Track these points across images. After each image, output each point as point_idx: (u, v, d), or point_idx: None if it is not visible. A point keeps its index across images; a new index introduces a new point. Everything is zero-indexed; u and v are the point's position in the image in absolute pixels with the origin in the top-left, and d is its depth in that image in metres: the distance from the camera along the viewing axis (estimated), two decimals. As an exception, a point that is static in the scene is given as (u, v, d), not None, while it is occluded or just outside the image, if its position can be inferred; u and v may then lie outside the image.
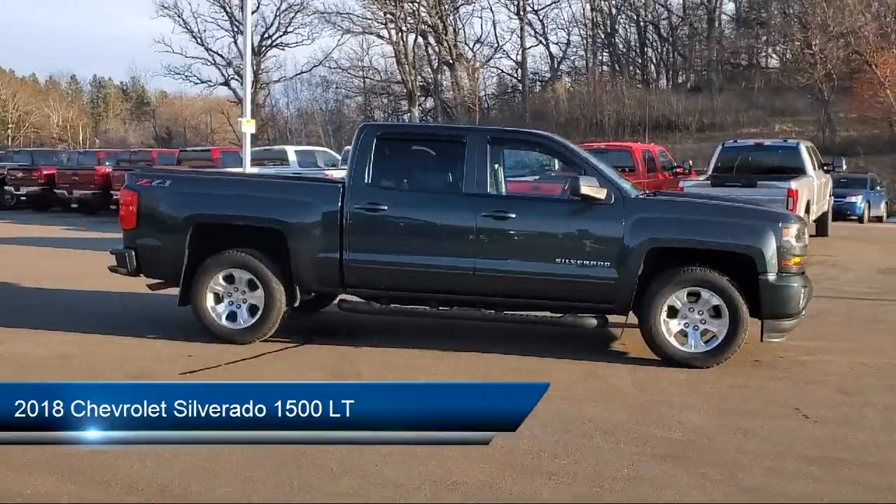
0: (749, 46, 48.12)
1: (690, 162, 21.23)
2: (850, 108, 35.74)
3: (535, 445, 4.96)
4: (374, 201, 7.32)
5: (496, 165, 7.47)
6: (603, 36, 51.05)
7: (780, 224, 6.99)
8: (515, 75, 54.38)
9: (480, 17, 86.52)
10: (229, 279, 7.58)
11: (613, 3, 50.41)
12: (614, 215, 7.06)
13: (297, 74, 52.05)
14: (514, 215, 7.15)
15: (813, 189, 15.27)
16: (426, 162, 7.70)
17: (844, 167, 18.27)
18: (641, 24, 51.47)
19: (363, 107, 57.56)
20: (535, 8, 49.62)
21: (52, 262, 13.64)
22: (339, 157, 22.82)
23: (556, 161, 7.67)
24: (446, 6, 47.21)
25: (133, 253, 7.69)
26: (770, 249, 6.88)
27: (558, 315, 7.30)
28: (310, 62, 54.40)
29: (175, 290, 7.88)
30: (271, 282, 7.46)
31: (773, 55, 47.06)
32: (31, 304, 9.59)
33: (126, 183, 7.85)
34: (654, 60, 53.73)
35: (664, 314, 7.02)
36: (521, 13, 48.38)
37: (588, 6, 49.04)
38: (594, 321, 7.21)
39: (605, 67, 51.74)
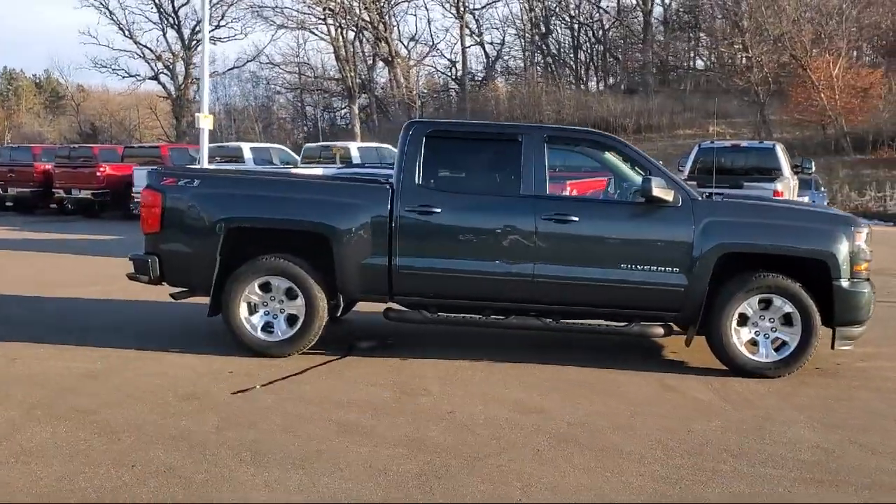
0: (682, 49, 48.99)
1: None
2: (785, 110, 36.58)
3: (675, 474, 4.60)
4: (426, 203, 6.84)
5: (555, 165, 7.06)
6: (538, 37, 51.17)
7: (851, 228, 6.80)
8: (450, 74, 54.14)
9: (415, 16, 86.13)
10: (265, 288, 7.01)
11: (548, 4, 50.57)
12: (683, 219, 6.75)
13: (229, 69, 50.58)
14: (576, 218, 6.77)
15: (790, 190, 15.37)
16: (479, 161, 7.24)
17: (814, 168, 18.49)
18: (575, 25, 51.82)
19: (294, 102, 56.43)
20: (471, 7, 49.39)
21: (16, 268, 12.64)
22: (297, 156, 22.11)
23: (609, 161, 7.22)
24: (383, 3, 46.56)
25: (157, 259, 7.03)
26: (843, 254, 6.68)
27: (623, 324, 6.94)
28: (241, 58, 52.79)
29: (199, 300, 7.28)
30: (313, 290, 6.90)
31: (703, 58, 47.92)
32: (29, 314, 8.76)
33: (148, 182, 7.16)
34: (586, 62, 54.17)
35: (735, 322, 6.74)
36: (460, 11, 48.09)
37: (525, 5, 49.04)
38: (661, 330, 6.90)
39: (538, 68, 51.88)
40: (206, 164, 18.41)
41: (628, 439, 5.15)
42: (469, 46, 49.57)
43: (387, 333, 7.90)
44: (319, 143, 22.92)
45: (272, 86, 53.74)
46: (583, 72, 53.52)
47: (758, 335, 6.80)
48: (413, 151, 6.97)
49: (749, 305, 6.75)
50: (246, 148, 21.27)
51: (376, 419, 5.43)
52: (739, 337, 6.77)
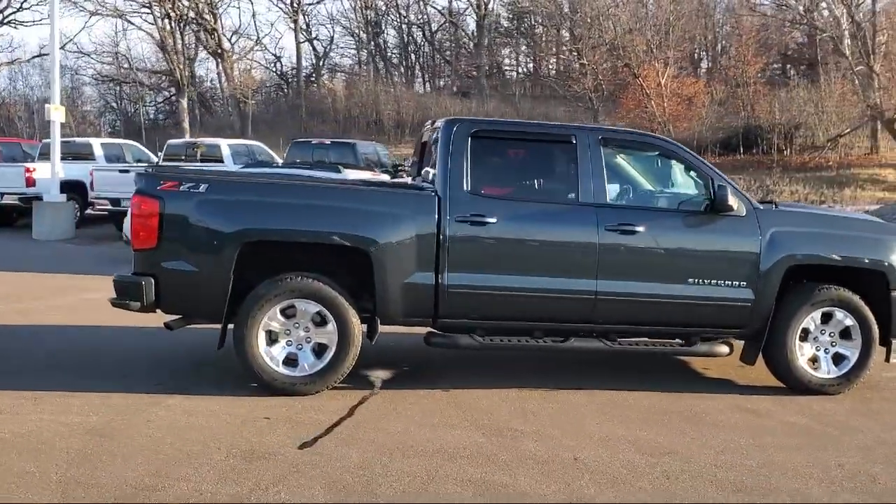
0: (510, 55, 49.92)
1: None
2: (617, 116, 38.07)
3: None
4: (478, 213, 6.00)
5: (613, 171, 6.41)
6: (368, 35, 50.39)
7: (903, 238, 6.65)
8: (275, 69, 52.20)
9: (238, 8, 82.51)
10: (288, 313, 5.89)
11: (377, 3, 49.91)
12: (750, 229, 6.33)
13: (35, 57, 45.77)
14: (641, 229, 6.18)
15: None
16: (531, 165, 6.49)
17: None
18: (405, 26, 51.49)
19: (104, 95, 52.32)
20: (301, 3, 47.75)
21: None
22: (153, 154, 20.13)
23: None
24: (208, -6, 43.98)
25: (152, 281, 5.71)
26: (898, 264, 6.52)
27: (688, 344, 6.43)
28: (47, 45, 47.96)
29: (194, 326, 6.07)
30: (347, 314, 5.89)
31: (538, 64, 49.01)
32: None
33: (139, 186, 5.82)
34: (415, 63, 54.02)
35: (798, 338, 6.40)
36: (294, 7, 46.34)
37: (358, 3, 48.08)
38: (727, 349, 6.45)
39: (369, 67, 51.13)
40: (57, 161, 16.33)
41: (803, 483, 4.60)
42: (303, 41, 47.87)
43: (393, 360, 6.97)
44: (184, 140, 20.96)
45: (79, 76, 49.41)
46: (414, 72, 53.29)
47: (818, 350, 6.50)
48: (458, 153, 6.10)
49: (812, 320, 6.46)
50: (96, 144, 19.06)
51: (507, 474, 4.55)
52: (803, 353, 6.45)
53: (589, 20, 37.18)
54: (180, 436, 4.99)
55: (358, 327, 5.94)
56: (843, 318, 6.48)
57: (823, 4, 35.49)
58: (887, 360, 6.65)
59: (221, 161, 17.40)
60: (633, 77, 36.44)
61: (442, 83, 52.76)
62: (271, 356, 5.90)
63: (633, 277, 6.21)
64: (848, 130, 33.46)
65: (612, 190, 6.31)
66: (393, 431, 5.22)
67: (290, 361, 5.94)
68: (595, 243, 6.14)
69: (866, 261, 6.51)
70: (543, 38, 47.12)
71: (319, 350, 5.97)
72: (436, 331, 6.21)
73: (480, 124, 6.29)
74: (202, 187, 5.81)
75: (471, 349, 6.19)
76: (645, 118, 36.59)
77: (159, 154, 19.74)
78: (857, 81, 33.75)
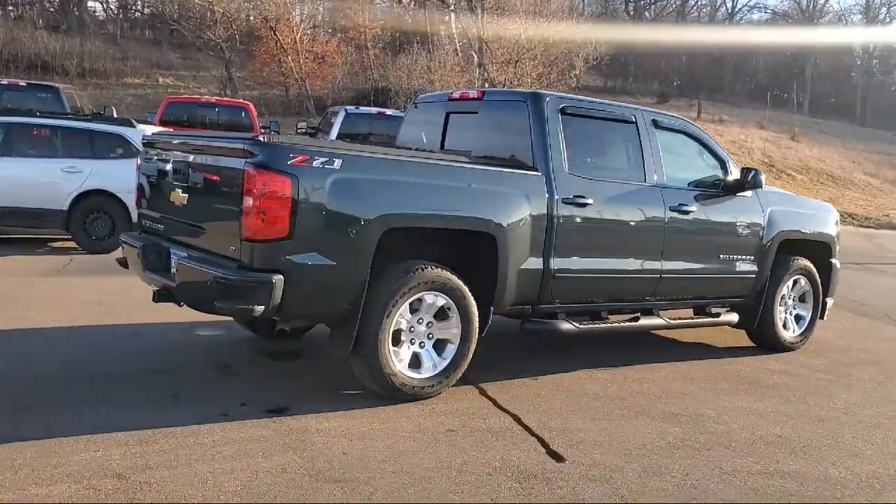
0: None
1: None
2: (251, 69, 37.06)
3: None
4: (579, 194, 5.83)
5: (664, 152, 6.59)
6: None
7: (834, 213, 7.88)
8: None
9: None
10: (413, 308, 5.19)
11: None
12: (757, 208, 7.06)
13: None
14: (693, 209, 6.53)
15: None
16: (604, 144, 6.34)
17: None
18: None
19: None
20: None
21: None
22: None
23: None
24: None
25: (282, 280, 4.61)
26: (835, 237, 7.76)
27: (713, 314, 6.97)
28: None
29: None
30: (471, 307, 5.39)
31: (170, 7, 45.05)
32: None
33: (261, 158, 4.57)
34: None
35: (778, 303, 7.31)
36: None
37: None
38: (737, 317, 7.09)
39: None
40: None
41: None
42: None
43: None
44: None
45: None
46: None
47: (786, 313, 7.46)
48: (554, 130, 5.82)
49: (786, 287, 7.38)
50: None
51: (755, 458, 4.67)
52: (780, 316, 7.36)
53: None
54: (406, 462, 4.20)
55: (477, 321, 5.43)
56: (805, 285, 7.53)
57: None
58: (822, 317, 7.83)
59: None
60: (269, 31, 35.69)
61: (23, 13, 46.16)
62: (399, 358, 5.15)
63: (685, 255, 6.55)
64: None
65: (666, 171, 6.51)
66: (589, 429, 4.95)
67: (415, 362, 5.25)
68: (663, 223, 6.34)
69: (819, 233, 7.61)
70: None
71: (439, 347, 5.36)
72: (534, 318, 5.91)
73: (569, 101, 6.02)
74: (336, 163, 4.78)
75: (570, 335, 6.00)
76: (279, 73, 36.28)
77: None
78: (473, 54, 36.98)
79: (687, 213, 6.47)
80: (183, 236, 5.36)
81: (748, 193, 6.97)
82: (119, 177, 10.36)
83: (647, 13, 57.05)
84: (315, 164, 4.71)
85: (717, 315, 6.99)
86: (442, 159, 5.44)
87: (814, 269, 7.55)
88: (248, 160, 4.62)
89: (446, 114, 6.65)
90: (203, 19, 36.04)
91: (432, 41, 40.10)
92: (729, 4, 61.99)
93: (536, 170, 5.70)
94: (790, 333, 7.47)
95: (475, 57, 37.15)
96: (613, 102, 6.62)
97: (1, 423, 4.41)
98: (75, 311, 7.15)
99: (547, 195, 5.65)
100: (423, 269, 5.13)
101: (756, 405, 5.70)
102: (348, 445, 4.39)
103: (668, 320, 6.62)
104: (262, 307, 4.61)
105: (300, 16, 36.37)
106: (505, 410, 5.18)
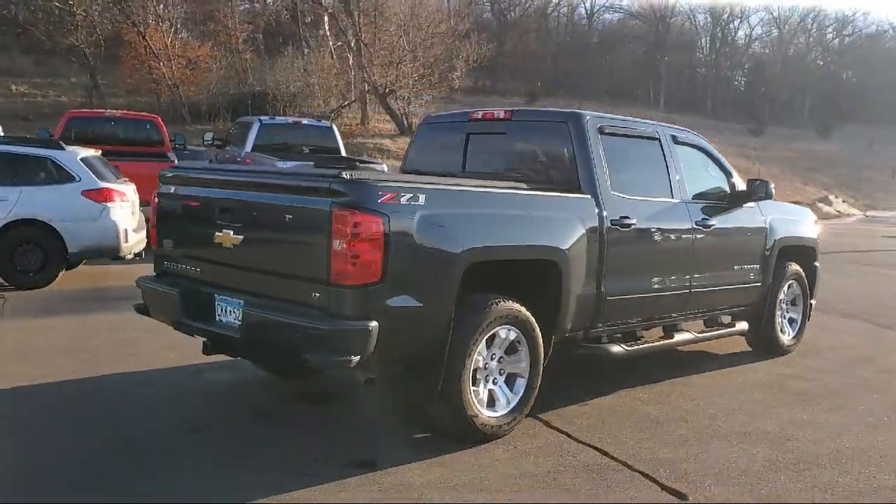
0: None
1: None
2: (118, 76, 35.18)
3: None
4: (624, 214, 5.74)
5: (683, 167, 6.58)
6: None
7: (814, 216, 8.15)
8: None
9: None
10: (487, 344, 4.96)
11: None
12: (759, 217, 7.19)
13: None
14: (714, 223, 6.57)
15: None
16: (638, 163, 6.22)
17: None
18: None
19: None
20: None
21: None
22: None
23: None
24: None
25: (376, 328, 4.27)
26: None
27: (727, 324, 7.06)
28: None
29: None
30: (538, 338, 5.21)
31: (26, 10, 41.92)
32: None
33: (352, 199, 4.20)
34: None
35: (778, 308, 7.49)
36: None
37: None
38: (747, 325, 7.21)
39: None
40: None
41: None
42: None
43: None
44: None
45: None
46: None
47: (782, 317, 7.66)
48: (597, 150, 5.69)
49: (783, 292, 7.56)
50: None
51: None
52: (779, 321, 7.54)
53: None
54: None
55: (542, 352, 5.24)
56: (796, 289, 7.75)
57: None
58: (808, 318, 8.07)
59: None
60: (138, 35, 33.99)
61: None
62: (479, 398, 4.89)
63: (709, 269, 6.58)
64: (350, 101, 36.13)
65: (687, 186, 6.51)
66: (680, 458, 4.85)
67: (490, 400, 5.00)
68: (692, 239, 6.34)
69: (808, 238, 7.85)
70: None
71: (509, 382, 5.13)
72: (585, 343, 5.76)
73: (604, 121, 5.89)
74: (421, 199, 4.46)
75: (619, 357, 5.89)
76: (150, 80, 34.69)
77: None
78: (350, 57, 36.52)
79: (709, 226, 6.49)
80: (233, 281, 4.88)
81: (752, 204, 7.08)
82: (51, 204, 9.49)
83: (510, 14, 58.00)
84: (402, 200, 4.39)
85: (731, 325, 7.08)
86: (512, 188, 5.20)
87: (803, 273, 7.77)
88: (334, 200, 4.24)
89: (466, 135, 6.40)
90: (62, 23, 33.90)
91: (307, 44, 39.39)
92: (587, 5, 64.10)
93: (585, 192, 5.56)
94: (787, 337, 7.67)
95: (350, 59, 36.80)
96: (638, 119, 6.55)
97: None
98: (59, 362, 6.44)
99: (597, 218, 5.52)
100: (496, 304, 4.89)
101: (804, 416, 5.77)
102: (472, 500, 4.11)
103: (696, 334, 6.64)
104: (358, 357, 4.26)
105: (170, 20, 34.72)
106: (585, 444, 5.01)
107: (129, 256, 10.17)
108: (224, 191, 4.94)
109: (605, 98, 52.82)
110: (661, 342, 6.35)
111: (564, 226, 5.29)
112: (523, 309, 5.04)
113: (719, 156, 7.09)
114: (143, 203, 10.74)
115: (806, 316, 7.88)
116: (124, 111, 17.56)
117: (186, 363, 6.39)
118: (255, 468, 4.42)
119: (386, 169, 13.63)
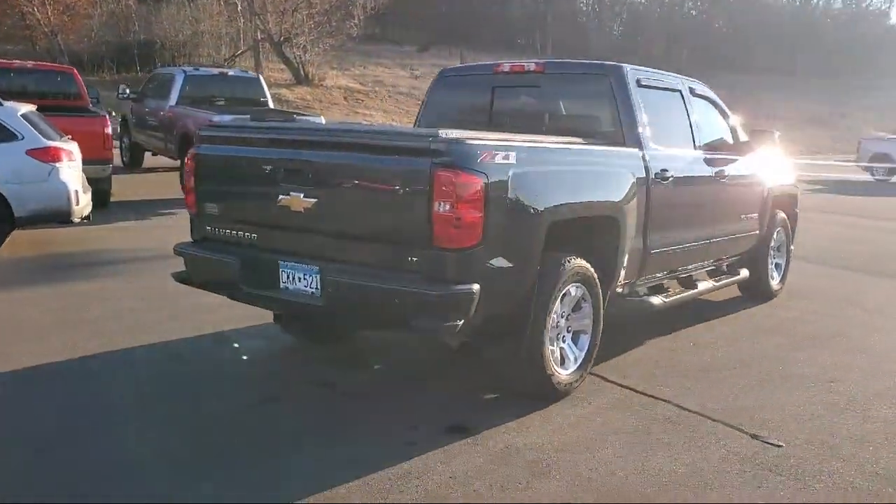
0: None
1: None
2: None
3: None
4: (665, 167, 5.76)
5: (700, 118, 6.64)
6: None
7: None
8: None
9: None
10: (560, 303, 4.92)
11: None
12: (757, 167, 7.34)
13: None
14: (728, 173, 6.69)
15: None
16: (667, 115, 6.17)
17: None
18: None
19: None
20: None
21: None
22: None
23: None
24: None
25: (479, 291, 4.15)
26: (794, 193, 8.35)
27: (732, 273, 7.24)
28: None
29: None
30: (600, 294, 5.19)
31: None
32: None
33: (453, 159, 4.01)
34: None
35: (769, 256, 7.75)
36: None
37: None
38: (748, 272, 7.41)
39: None
40: None
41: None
42: None
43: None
44: None
45: None
46: None
47: (771, 264, 7.91)
48: (637, 103, 5.66)
49: (773, 239, 7.82)
50: None
51: None
52: (770, 267, 7.81)
53: None
54: (651, 469, 4.00)
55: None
56: (781, 236, 8.01)
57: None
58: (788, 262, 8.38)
59: None
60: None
61: None
62: (554, 357, 4.84)
63: (725, 218, 6.73)
64: (242, 50, 34.83)
65: (705, 137, 6.58)
66: (751, 406, 4.96)
67: (561, 358, 4.96)
68: (713, 189, 6.44)
69: (792, 186, 8.13)
70: None
71: (574, 339, 5.10)
72: (627, 296, 5.78)
73: (637, 72, 5.83)
74: (511, 157, 4.31)
75: (659, 309, 5.94)
76: (24, 26, 32.45)
77: None
78: (239, 4, 35.11)
79: (725, 176, 6.60)
80: (302, 247, 4.60)
81: (755, 153, 7.22)
82: (-11, 164, 8.72)
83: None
84: (497, 159, 4.24)
85: (735, 273, 7.26)
86: (583, 144, 5.11)
87: (787, 220, 8.04)
88: (434, 160, 4.05)
89: (492, 88, 6.23)
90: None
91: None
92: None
93: (630, 146, 5.53)
94: (775, 282, 7.94)
95: (239, 6, 35.42)
96: (664, 72, 6.52)
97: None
98: (68, 337, 5.97)
99: (644, 171, 5.51)
100: (569, 261, 4.82)
101: (833, 359, 5.96)
102: (579, 461, 4.07)
103: (714, 283, 6.79)
104: (462, 321, 4.13)
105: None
106: (652, 397, 5.04)
107: (78, 220, 9.50)
108: (289, 150, 4.63)
109: (496, 48, 52.93)
110: (689, 292, 6.45)
111: (621, 180, 5.25)
112: (589, 266, 5.00)
113: (725, 107, 7.18)
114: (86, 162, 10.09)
115: (788, 261, 8.17)
116: (36, 62, 16.31)
117: (199, 333, 6.08)
118: (353, 439, 4.24)
119: (324, 121, 13.30)
